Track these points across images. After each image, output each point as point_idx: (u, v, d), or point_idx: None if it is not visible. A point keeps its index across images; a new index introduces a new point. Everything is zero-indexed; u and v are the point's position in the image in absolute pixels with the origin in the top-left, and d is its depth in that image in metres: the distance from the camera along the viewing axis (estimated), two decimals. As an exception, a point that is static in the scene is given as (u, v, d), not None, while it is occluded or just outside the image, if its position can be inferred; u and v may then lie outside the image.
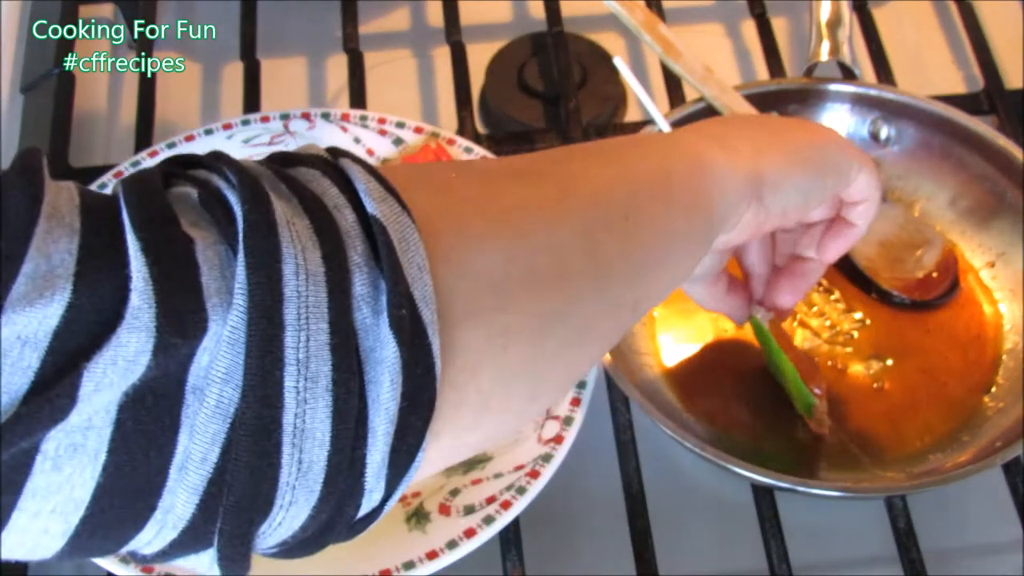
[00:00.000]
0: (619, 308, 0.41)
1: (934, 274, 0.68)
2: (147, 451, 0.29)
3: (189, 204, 0.31)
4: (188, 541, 0.31)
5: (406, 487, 0.34)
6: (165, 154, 0.72)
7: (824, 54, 0.72)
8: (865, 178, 0.52)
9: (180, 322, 0.28)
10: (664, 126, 0.66)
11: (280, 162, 0.34)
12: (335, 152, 0.35)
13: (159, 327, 0.28)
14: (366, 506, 0.33)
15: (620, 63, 0.66)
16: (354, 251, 0.31)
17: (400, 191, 0.33)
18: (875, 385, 0.64)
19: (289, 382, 0.30)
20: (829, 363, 0.65)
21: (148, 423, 0.29)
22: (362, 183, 0.33)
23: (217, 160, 0.33)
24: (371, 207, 0.32)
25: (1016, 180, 0.66)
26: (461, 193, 0.37)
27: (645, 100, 0.66)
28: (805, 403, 0.60)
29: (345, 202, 0.33)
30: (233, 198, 0.31)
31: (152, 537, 0.30)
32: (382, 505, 0.34)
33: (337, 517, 0.33)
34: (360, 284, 0.31)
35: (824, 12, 0.74)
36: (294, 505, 0.31)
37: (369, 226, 0.32)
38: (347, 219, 0.32)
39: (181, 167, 0.34)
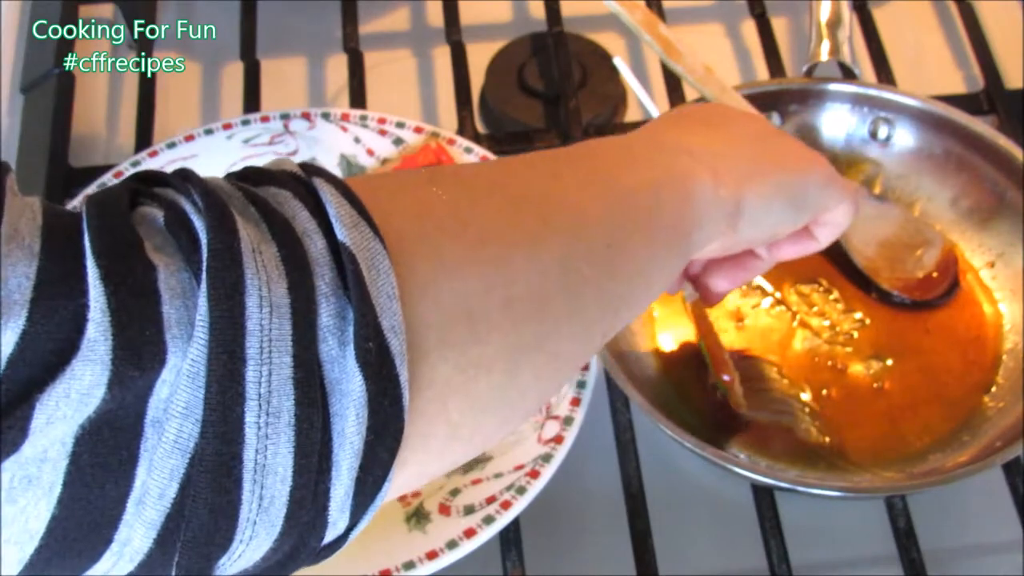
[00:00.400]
0: (592, 336, 0.41)
1: (934, 274, 0.68)
2: (103, 484, 0.28)
3: (154, 227, 0.31)
4: (145, 574, 0.30)
5: (372, 514, 0.33)
6: (165, 154, 0.72)
7: (824, 54, 0.72)
8: (844, 210, 0.52)
9: (136, 354, 0.28)
10: None
11: (252, 179, 0.34)
12: (308, 170, 0.34)
13: (115, 359, 0.27)
14: (330, 535, 0.33)
15: (620, 63, 0.66)
16: (322, 280, 0.31)
17: (376, 212, 0.33)
18: (875, 385, 0.64)
19: (250, 418, 0.29)
20: (829, 363, 0.65)
21: (105, 456, 0.28)
22: (333, 207, 0.32)
23: (185, 180, 0.32)
24: (341, 234, 0.32)
25: (1016, 180, 0.66)
26: (439, 213, 0.36)
27: (645, 100, 0.66)
28: (719, 385, 0.63)
29: (315, 227, 0.32)
30: (199, 224, 0.30)
31: (108, 569, 0.30)
32: (347, 533, 0.34)
33: (300, 547, 0.32)
34: (326, 315, 0.31)
35: (824, 12, 0.74)
36: (255, 539, 0.31)
37: (339, 252, 0.32)
38: (316, 246, 0.31)
39: (149, 184, 0.33)
